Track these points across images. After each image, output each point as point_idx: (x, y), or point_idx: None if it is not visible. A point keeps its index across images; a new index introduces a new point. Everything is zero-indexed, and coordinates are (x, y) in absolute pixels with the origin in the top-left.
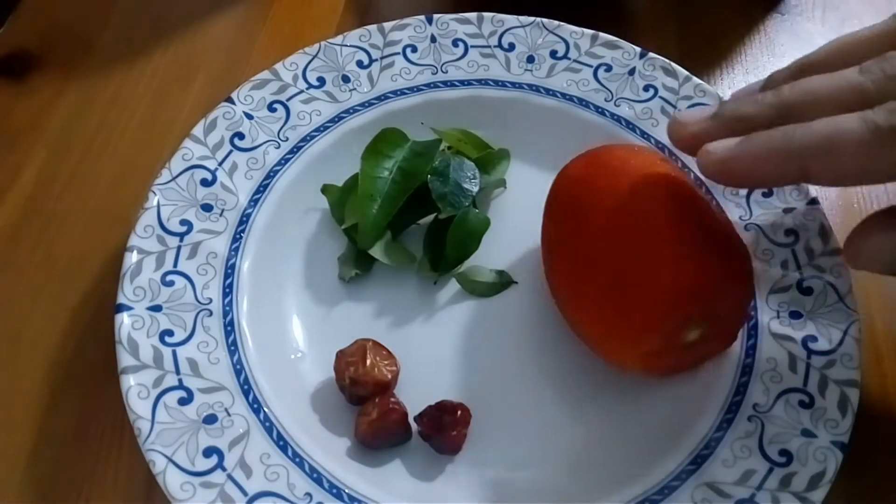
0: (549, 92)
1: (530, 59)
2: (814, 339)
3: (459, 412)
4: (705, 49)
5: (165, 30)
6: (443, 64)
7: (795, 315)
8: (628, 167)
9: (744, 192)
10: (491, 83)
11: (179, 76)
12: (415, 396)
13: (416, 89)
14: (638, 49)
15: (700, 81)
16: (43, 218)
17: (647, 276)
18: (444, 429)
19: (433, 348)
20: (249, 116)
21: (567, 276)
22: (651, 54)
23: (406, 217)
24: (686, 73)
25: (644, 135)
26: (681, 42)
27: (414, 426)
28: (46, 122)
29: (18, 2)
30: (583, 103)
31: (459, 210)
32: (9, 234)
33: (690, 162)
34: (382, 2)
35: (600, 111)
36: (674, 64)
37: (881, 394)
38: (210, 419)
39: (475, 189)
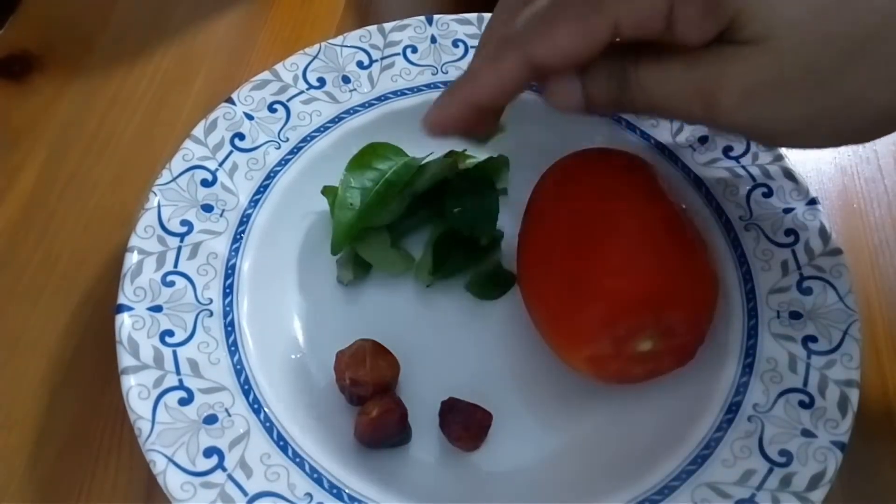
0: None
1: None
2: (814, 339)
3: (483, 421)
4: None
5: (165, 30)
6: (443, 64)
7: (795, 315)
8: (607, 172)
9: (744, 191)
10: None
11: (180, 76)
12: (415, 396)
13: (416, 90)
14: None
15: None
16: (43, 218)
17: (601, 281)
18: (472, 437)
19: (433, 348)
20: (250, 117)
21: (531, 273)
22: None
23: (407, 223)
24: None
25: (644, 135)
26: None
27: (417, 424)
28: (46, 122)
29: (18, 2)
30: None
31: (495, 231)
32: (9, 234)
33: (680, 173)
34: (382, 3)
35: None
36: None
37: (881, 394)
38: (210, 419)
39: (496, 206)
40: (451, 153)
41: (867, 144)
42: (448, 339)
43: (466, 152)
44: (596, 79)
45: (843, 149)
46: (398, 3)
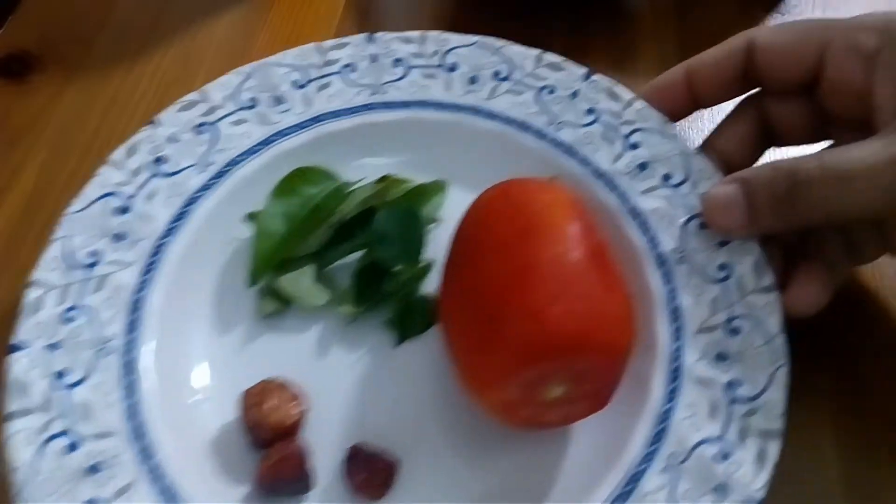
0: (490, 114)
1: (473, 80)
2: (738, 383)
3: (388, 470)
4: (705, 49)
5: (165, 30)
6: (382, 84)
7: (721, 357)
8: (530, 206)
9: (680, 222)
10: (431, 105)
11: (179, 76)
12: (326, 439)
13: (352, 110)
14: (583, 70)
15: (644, 105)
16: (43, 218)
17: (511, 324)
18: (377, 486)
19: (352, 387)
20: (174, 140)
21: (448, 310)
22: (595, 76)
23: (333, 252)
24: (630, 95)
25: (584, 161)
26: (681, 42)
27: (326, 470)
28: (46, 122)
29: (18, 2)
30: (524, 127)
31: (419, 263)
32: (9, 234)
33: (617, 201)
34: (382, 2)
35: (541, 135)
36: (618, 86)
37: (881, 394)
38: (94, 468)
39: (422, 237)
40: (384, 178)
41: None
42: (368, 378)
43: (401, 176)
44: (758, 186)
45: None
46: (398, 2)
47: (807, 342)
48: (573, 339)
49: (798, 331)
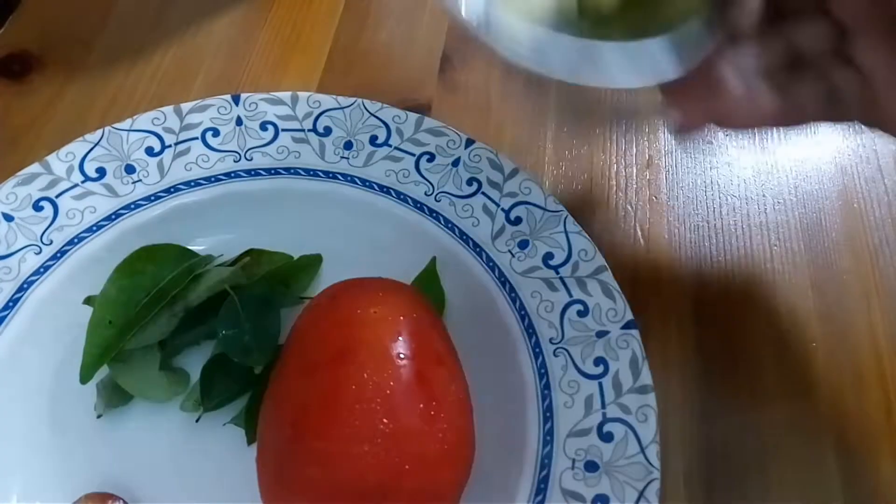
0: (366, 183)
1: (348, 146)
2: (605, 498)
3: None
4: None
5: (165, 30)
6: (247, 150)
7: (591, 466)
8: (352, 323)
9: (559, 308)
10: (301, 172)
11: (179, 76)
12: None
13: (213, 179)
14: (465, 137)
15: (527, 177)
16: None
17: (307, 463)
18: None
19: (198, 494)
20: (9, 218)
21: (260, 429)
22: (477, 144)
23: (182, 339)
24: (513, 166)
25: (463, 236)
26: None
27: None
28: (46, 122)
29: (18, 2)
30: (401, 197)
31: (271, 358)
32: None
33: (496, 284)
34: (383, 3)
35: (419, 206)
36: (501, 156)
37: (881, 394)
38: None
39: (276, 329)
40: (248, 253)
41: (867, 144)
42: (215, 482)
43: (268, 251)
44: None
45: (843, 149)
46: (398, 2)
47: (806, 342)
48: (374, 487)
49: (798, 332)
